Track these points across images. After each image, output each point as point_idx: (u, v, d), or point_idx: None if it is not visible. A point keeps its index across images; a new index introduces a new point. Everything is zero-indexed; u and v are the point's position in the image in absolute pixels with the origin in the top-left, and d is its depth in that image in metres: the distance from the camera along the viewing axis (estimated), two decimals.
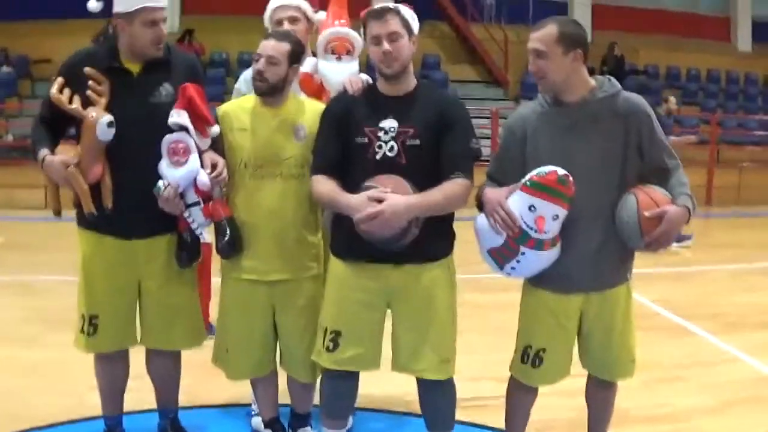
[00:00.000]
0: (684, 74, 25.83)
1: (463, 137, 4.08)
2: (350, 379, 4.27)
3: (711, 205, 18.43)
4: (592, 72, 4.10)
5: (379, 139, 4.03)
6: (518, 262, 4.00)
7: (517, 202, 3.92)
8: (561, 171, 3.84)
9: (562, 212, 3.89)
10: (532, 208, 3.87)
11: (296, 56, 4.35)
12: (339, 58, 4.57)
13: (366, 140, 4.05)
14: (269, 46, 4.27)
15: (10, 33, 23.01)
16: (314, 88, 4.60)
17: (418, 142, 4.01)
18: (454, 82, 22.80)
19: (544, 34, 3.95)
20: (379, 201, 3.80)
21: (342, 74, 4.42)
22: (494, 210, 3.95)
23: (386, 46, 4.00)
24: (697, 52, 25.87)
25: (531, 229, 3.89)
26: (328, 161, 4.16)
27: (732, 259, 11.87)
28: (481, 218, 4.07)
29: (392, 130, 4.03)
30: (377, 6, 4.12)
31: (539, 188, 3.85)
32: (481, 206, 4.11)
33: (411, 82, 4.15)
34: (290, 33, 4.47)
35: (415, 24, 4.15)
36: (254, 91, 4.33)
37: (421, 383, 4.23)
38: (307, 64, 4.69)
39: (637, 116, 4.03)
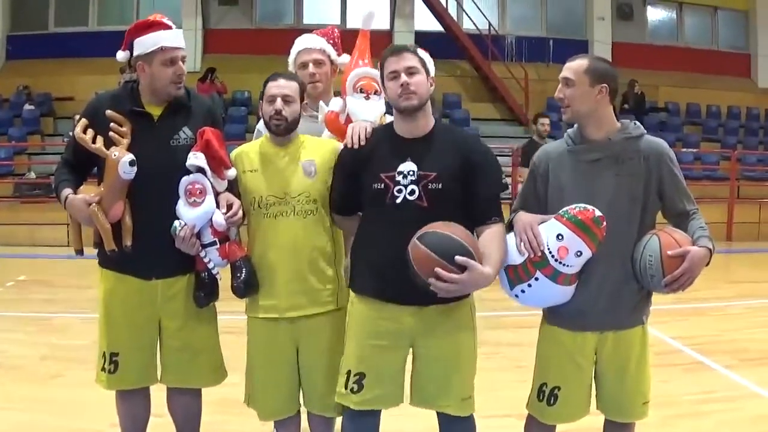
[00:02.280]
0: (704, 111, 25.71)
1: (492, 179, 4.13)
2: (372, 416, 4.25)
3: (731, 241, 18.34)
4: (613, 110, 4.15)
5: (397, 183, 4.04)
6: (529, 286, 4.02)
7: (547, 228, 3.96)
8: (598, 212, 3.88)
9: (587, 252, 3.91)
10: (560, 237, 3.89)
11: (303, 93, 4.44)
12: (367, 97, 4.60)
13: (382, 186, 4.06)
14: (283, 86, 4.33)
15: (33, 71, 23.27)
16: (340, 126, 4.64)
17: (440, 186, 4.01)
18: (475, 120, 22.83)
19: (575, 64, 4.06)
20: (461, 265, 3.76)
21: (370, 112, 4.44)
22: (524, 230, 3.98)
23: (404, 77, 4.02)
24: (717, 89, 25.78)
25: (552, 256, 3.91)
26: (345, 206, 4.29)
27: (751, 295, 11.81)
28: (508, 236, 4.09)
29: (411, 173, 4.03)
30: (394, 45, 4.18)
31: (572, 221, 3.88)
32: (511, 226, 4.14)
33: (429, 122, 4.16)
34: (292, 72, 4.60)
35: (431, 66, 4.20)
36: (272, 131, 4.38)
37: (443, 419, 4.21)
38: (334, 104, 4.74)
39: (659, 159, 4.07)
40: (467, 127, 21.32)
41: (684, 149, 21.45)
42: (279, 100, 4.30)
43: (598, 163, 4.06)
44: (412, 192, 4.02)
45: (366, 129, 4.27)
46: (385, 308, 4.11)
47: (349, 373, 4.17)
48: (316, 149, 4.42)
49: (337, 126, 4.63)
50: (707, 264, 3.96)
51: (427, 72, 4.12)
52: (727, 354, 8.22)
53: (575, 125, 4.20)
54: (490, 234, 4.04)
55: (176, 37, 4.37)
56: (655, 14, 27.89)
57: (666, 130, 22.68)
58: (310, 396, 4.48)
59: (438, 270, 3.72)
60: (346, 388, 4.17)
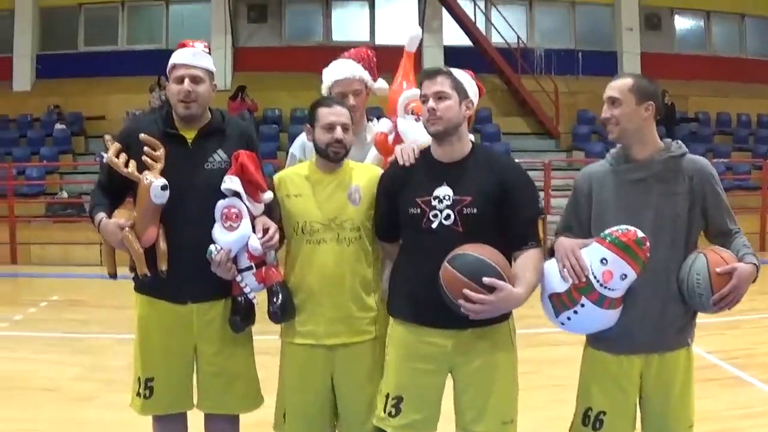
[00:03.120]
0: (734, 120, 25.55)
1: (528, 205, 4.10)
2: None
3: (765, 251, 18.15)
4: None
5: (433, 208, 4.02)
6: (575, 313, 3.97)
7: (589, 253, 3.92)
8: (640, 233, 3.84)
9: (632, 274, 3.86)
10: (604, 261, 3.85)
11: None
12: (418, 119, 4.58)
13: (418, 210, 4.05)
14: (340, 113, 4.33)
15: (64, 90, 23.50)
16: (389, 147, 4.63)
17: (475, 211, 3.99)
18: (505, 134, 22.82)
19: (619, 83, 4.05)
20: (489, 286, 3.75)
21: (421, 133, 4.42)
22: (566, 256, 3.94)
23: (431, 103, 4.03)
24: (746, 97, 25.59)
25: (597, 281, 3.87)
26: (386, 231, 4.30)
27: None
28: (550, 263, 4.07)
29: (447, 198, 4.01)
30: (429, 68, 4.17)
31: (616, 244, 3.84)
32: (552, 252, 4.11)
33: (465, 146, 4.14)
34: (338, 99, 4.56)
35: (470, 87, 4.17)
36: (330, 159, 4.35)
37: None
38: (383, 125, 4.76)
39: (703, 178, 4.05)
40: (498, 142, 21.32)
41: (715, 159, 21.10)
42: (339, 129, 4.29)
43: (643, 182, 4.04)
44: (447, 217, 4.01)
45: (414, 149, 4.27)
46: (423, 332, 4.09)
47: (387, 396, 4.16)
48: (362, 175, 4.41)
49: (386, 147, 4.64)
50: (754, 281, 3.93)
51: (462, 94, 4.10)
52: (764, 367, 8.16)
53: (617, 145, 4.18)
54: (526, 257, 4.02)
55: (188, 55, 4.37)
56: (683, 23, 27.79)
57: (696, 141, 22.53)
58: (345, 423, 4.45)
59: (466, 291, 3.72)
60: (384, 411, 4.16)
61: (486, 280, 3.73)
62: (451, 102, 4.03)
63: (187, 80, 4.31)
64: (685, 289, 3.96)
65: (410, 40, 4.79)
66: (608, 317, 3.97)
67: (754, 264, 3.92)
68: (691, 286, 3.92)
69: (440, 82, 4.06)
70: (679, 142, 4.15)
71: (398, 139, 4.59)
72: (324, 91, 4.83)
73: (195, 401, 4.57)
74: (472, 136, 4.38)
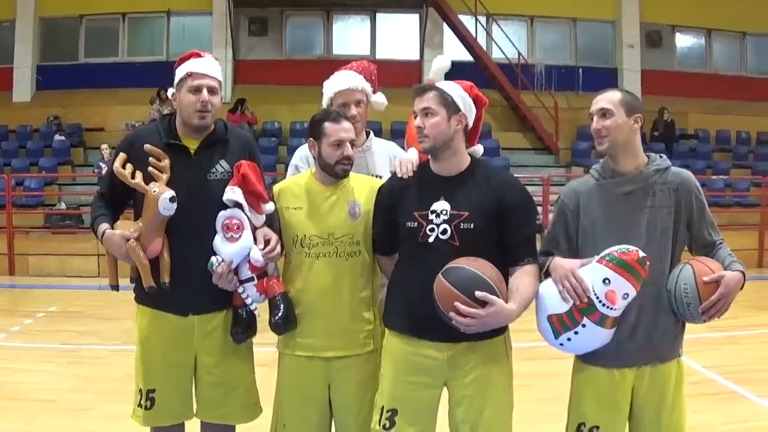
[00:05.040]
0: (734, 137, 25.54)
1: (527, 221, 4.11)
2: None
3: (763, 268, 18.17)
4: (643, 137, 4.13)
5: (430, 222, 4.03)
6: (576, 333, 3.96)
7: (590, 273, 3.91)
8: (642, 253, 3.84)
9: (633, 293, 3.87)
10: (606, 281, 3.84)
11: None
12: None
13: (415, 224, 4.05)
14: (348, 129, 4.33)
15: (63, 102, 23.51)
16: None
17: (472, 225, 3.98)
18: (505, 149, 22.80)
19: (609, 95, 4.08)
20: (482, 300, 3.75)
21: None
22: (565, 277, 3.93)
23: (418, 121, 4.06)
24: (746, 114, 25.60)
25: (600, 301, 3.86)
26: (384, 245, 4.30)
27: None
28: (547, 284, 4.05)
29: (444, 212, 4.02)
30: (419, 85, 4.18)
31: (618, 264, 3.83)
32: (547, 273, 4.10)
33: (462, 161, 4.14)
34: (343, 112, 4.53)
35: (461, 101, 4.13)
36: (337, 176, 4.35)
37: None
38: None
39: (688, 190, 4.08)
40: (497, 157, 21.32)
41: (714, 176, 21.30)
42: (348, 146, 4.29)
43: (631, 195, 4.06)
44: (444, 231, 4.01)
45: (413, 162, 4.31)
46: (418, 345, 4.09)
47: (382, 409, 4.16)
48: (362, 189, 4.40)
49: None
50: (741, 288, 3.95)
51: (452, 109, 4.09)
52: (761, 383, 8.16)
53: (601, 159, 4.22)
54: (522, 273, 4.02)
55: (206, 65, 4.37)
56: (684, 41, 27.81)
57: (696, 157, 22.63)
58: None
59: (457, 304, 3.72)
60: (379, 424, 4.15)
61: (478, 294, 3.72)
62: (438, 119, 4.04)
63: (205, 90, 4.30)
64: (674, 299, 3.98)
65: (437, 70, 4.75)
66: (607, 335, 3.98)
67: (741, 271, 3.94)
68: (679, 297, 3.94)
69: (428, 99, 4.07)
70: (663, 155, 4.20)
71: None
72: (325, 102, 4.83)
73: (195, 410, 4.56)
74: (480, 148, 4.38)
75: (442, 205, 4.04)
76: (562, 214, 4.23)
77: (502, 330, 4.11)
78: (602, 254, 3.90)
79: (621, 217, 4.04)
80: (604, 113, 4.05)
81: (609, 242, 3.94)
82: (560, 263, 4.02)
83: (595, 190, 4.14)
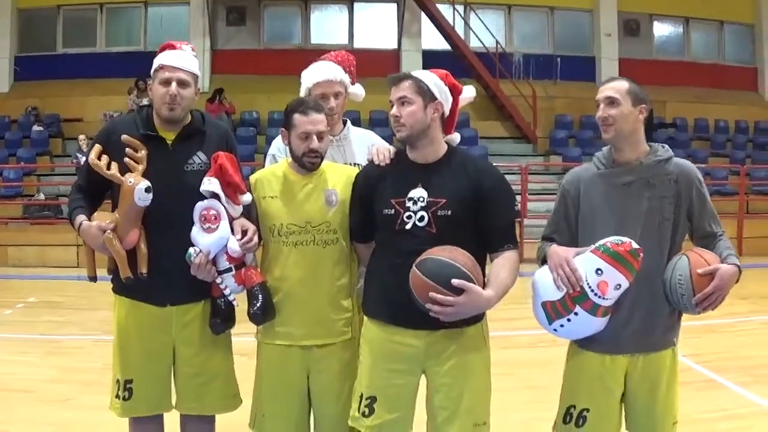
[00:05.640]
0: (712, 126, 25.69)
1: (505, 208, 4.13)
2: None
3: (741, 256, 18.09)
4: None
5: (407, 209, 4.03)
6: (568, 320, 4.00)
7: (584, 263, 3.94)
8: (635, 245, 3.87)
9: (625, 284, 3.90)
10: (599, 272, 3.88)
11: None
12: None
13: (392, 211, 4.06)
14: (316, 121, 4.29)
15: (41, 92, 23.40)
16: None
17: (449, 212, 3.99)
18: (483, 138, 22.84)
19: (616, 84, 4.10)
20: (458, 288, 3.75)
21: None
22: (560, 265, 3.97)
23: (394, 110, 4.06)
24: (724, 103, 25.75)
25: (592, 291, 3.90)
26: (361, 232, 4.31)
27: (763, 310, 11.79)
28: (542, 271, 4.10)
29: (422, 199, 4.03)
30: (394, 74, 4.20)
31: (611, 255, 3.87)
32: (543, 260, 4.14)
33: (439, 149, 4.15)
34: (316, 101, 4.51)
35: (437, 90, 4.13)
36: (306, 168, 4.34)
37: None
38: None
39: (689, 181, 4.09)
40: (475, 146, 21.34)
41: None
42: (314, 138, 4.27)
43: (631, 185, 4.07)
44: (421, 218, 4.02)
45: (390, 150, 4.33)
46: (396, 332, 4.10)
47: (361, 396, 4.17)
48: (338, 178, 4.40)
49: None
50: (736, 281, 3.99)
51: (428, 97, 4.09)
52: (739, 371, 8.20)
53: (603, 148, 4.23)
54: (502, 260, 4.04)
55: (177, 58, 4.36)
56: (662, 29, 27.93)
57: (674, 146, 22.25)
58: (321, 423, 4.47)
59: (432, 294, 3.73)
60: (358, 411, 4.17)
61: (455, 282, 3.73)
62: (414, 108, 4.05)
63: (173, 84, 4.29)
64: (668, 289, 4.01)
65: (462, 100, 4.71)
66: (600, 324, 4.01)
67: (736, 265, 3.97)
68: (674, 287, 3.97)
69: (403, 88, 4.08)
70: (665, 145, 4.20)
71: None
72: (303, 92, 4.81)
73: (174, 402, 4.55)
74: (457, 136, 4.39)
75: (419, 192, 4.05)
76: (564, 200, 4.27)
77: (479, 318, 4.12)
78: (597, 244, 3.93)
79: (620, 206, 4.07)
80: (612, 101, 4.06)
81: (607, 231, 3.98)
82: (556, 251, 4.05)
83: (597, 179, 4.17)
